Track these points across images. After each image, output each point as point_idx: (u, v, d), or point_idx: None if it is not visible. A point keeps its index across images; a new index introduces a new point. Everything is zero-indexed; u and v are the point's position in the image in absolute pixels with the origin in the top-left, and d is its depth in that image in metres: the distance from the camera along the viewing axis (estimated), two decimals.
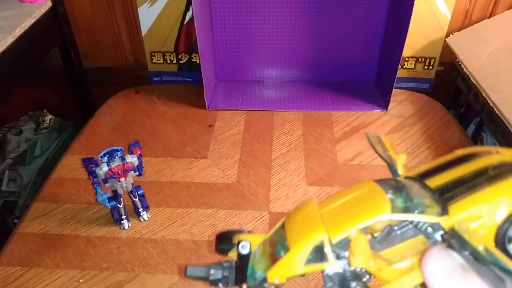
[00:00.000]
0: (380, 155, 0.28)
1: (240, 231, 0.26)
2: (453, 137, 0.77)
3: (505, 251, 0.20)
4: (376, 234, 0.22)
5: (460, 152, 0.25)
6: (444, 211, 0.21)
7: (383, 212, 0.21)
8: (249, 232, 0.26)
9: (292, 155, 0.73)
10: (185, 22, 0.91)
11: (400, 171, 0.26)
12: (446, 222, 0.21)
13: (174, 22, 0.91)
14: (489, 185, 0.21)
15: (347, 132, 0.78)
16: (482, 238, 0.20)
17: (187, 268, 0.25)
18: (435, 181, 0.23)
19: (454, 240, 0.20)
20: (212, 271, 0.25)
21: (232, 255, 0.25)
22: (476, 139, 0.86)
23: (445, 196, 0.21)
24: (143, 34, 0.92)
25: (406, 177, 0.24)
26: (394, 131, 0.78)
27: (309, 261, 0.22)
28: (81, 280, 0.54)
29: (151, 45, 0.94)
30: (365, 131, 0.31)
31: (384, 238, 0.22)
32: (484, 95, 0.74)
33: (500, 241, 0.20)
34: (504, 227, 0.20)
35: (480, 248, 0.19)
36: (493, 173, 0.22)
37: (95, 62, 1.02)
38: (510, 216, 0.20)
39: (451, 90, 0.95)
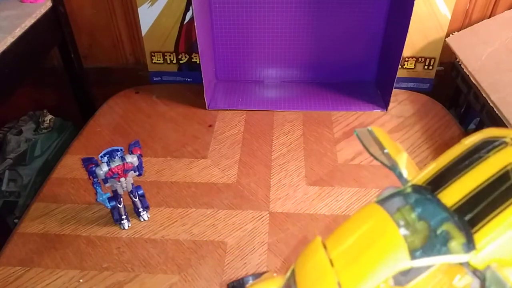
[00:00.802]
0: (376, 158, 0.25)
1: (251, 276, 0.25)
2: (453, 137, 0.77)
3: None
4: None
5: (468, 142, 0.22)
6: (470, 244, 0.18)
7: (401, 261, 0.18)
8: (260, 275, 0.24)
9: (292, 155, 0.73)
10: (185, 22, 0.91)
11: (405, 173, 0.23)
12: (475, 259, 0.18)
13: (174, 22, 0.91)
14: None
15: (347, 132, 0.78)
16: None
17: None
18: (450, 196, 0.20)
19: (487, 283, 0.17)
20: None
21: None
22: None
23: (467, 219, 0.18)
24: (143, 34, 0.92)
25: (415, 187, 0.21)
26: (394, 131, 0.78)
27: None
28: (81, 280, 0.54)
29: (151, 45, 0.94)
30: (356, 129, 0.26)
31: (407, 270, 0.19)
32: (484, 95, 0.74)
33: None
34: None
35: None
36: None
37: (95, 62, 1.02)
38: None
39: (451, 90, 0.95)
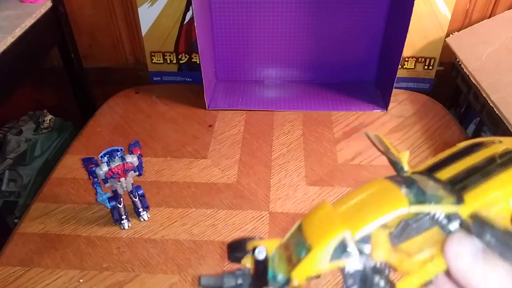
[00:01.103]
0: (383, 153, 0.29)
1: (251, 238, 0.26)
2: (453, 137, 0.77)
3: None
4: (391, 230, 0.22)
5: (462, 144, 0.25)
6: (460, 201, 0.21)
7: (401, 206, 0.21)
8: (261, 238, 0.26)
9: (292, 155, 0.73)
10: (185, 22, 0.91)
11: (406, 168, 0.26)
12: (464, 210, 0.21)
13: (174, 22, 0.91)
14: (500, 171, 0.21)
15: (347, 132, 0.78)
16: (503, 221, 0.20)
17: (200, 278, 0.25)
18: (444, 174, 0.23)
19: (474, 225, 0.20)
20: (225, 280, 0.25)
21: (246, 262, 0.25)
22: None
23: (458, 187, 0.22)
24: (143, 34, 0.92)
25: (414, 172, 0.25)
26: (394, 131, 0.78)
27: (333, 258, 0.22)
28: (81, 280, 0.54)
29: (151, 45, 0.94)
30: (365, 131, 0.31)
31: (400, 233, 0.22)
32: (484, 95, 0.74)
33: None
34: None
35: (503, 229, 0.19)
36: (501, 161, 0.22)
37: (95, 62, 1.02)
38: None
39: (451, 90, 0.95)
